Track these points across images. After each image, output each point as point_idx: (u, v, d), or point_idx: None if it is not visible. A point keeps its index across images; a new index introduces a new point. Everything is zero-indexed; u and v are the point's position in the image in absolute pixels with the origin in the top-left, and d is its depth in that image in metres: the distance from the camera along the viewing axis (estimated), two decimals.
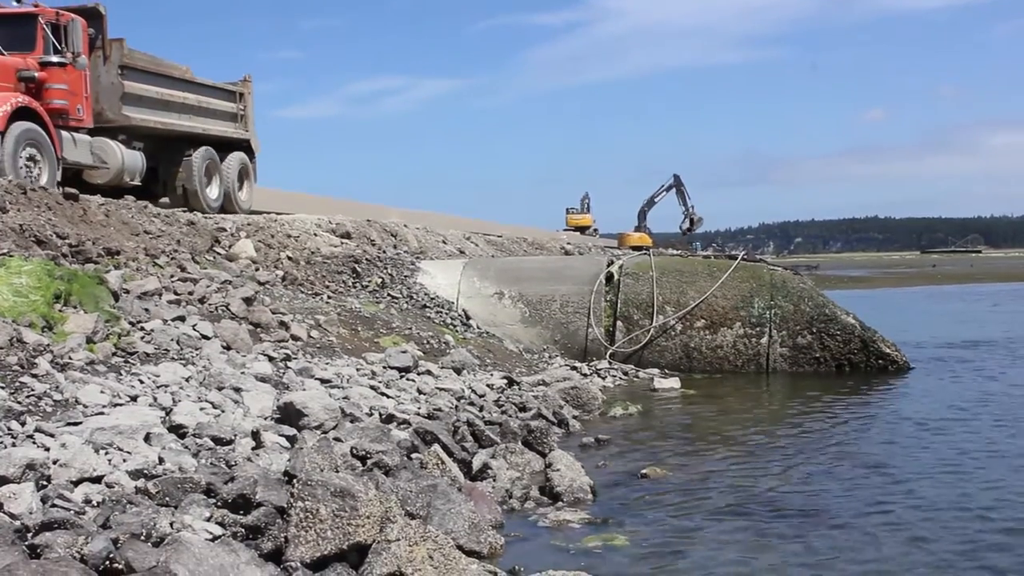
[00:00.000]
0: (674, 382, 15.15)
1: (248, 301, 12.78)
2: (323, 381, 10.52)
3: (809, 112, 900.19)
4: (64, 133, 16.49)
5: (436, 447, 8.57)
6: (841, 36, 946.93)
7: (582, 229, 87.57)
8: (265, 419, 8.62)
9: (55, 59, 16.44)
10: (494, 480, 8.64)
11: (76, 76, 16.84)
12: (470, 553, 6.47)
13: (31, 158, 15.43)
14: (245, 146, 22.13)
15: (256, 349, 11.27)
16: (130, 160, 18.25)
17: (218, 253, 15.49)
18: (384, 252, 19.90)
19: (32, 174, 15.25)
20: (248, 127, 22.20)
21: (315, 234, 19.02)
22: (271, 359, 10.91)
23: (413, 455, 8.46)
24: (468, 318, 17.14)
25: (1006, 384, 15.03)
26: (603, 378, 15.38)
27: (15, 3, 16.89)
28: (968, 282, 59.64)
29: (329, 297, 15.43)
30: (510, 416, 10.97)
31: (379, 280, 17.25)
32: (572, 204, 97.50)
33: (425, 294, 17.37)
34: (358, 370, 11.74)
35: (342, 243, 19.24)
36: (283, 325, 12.59)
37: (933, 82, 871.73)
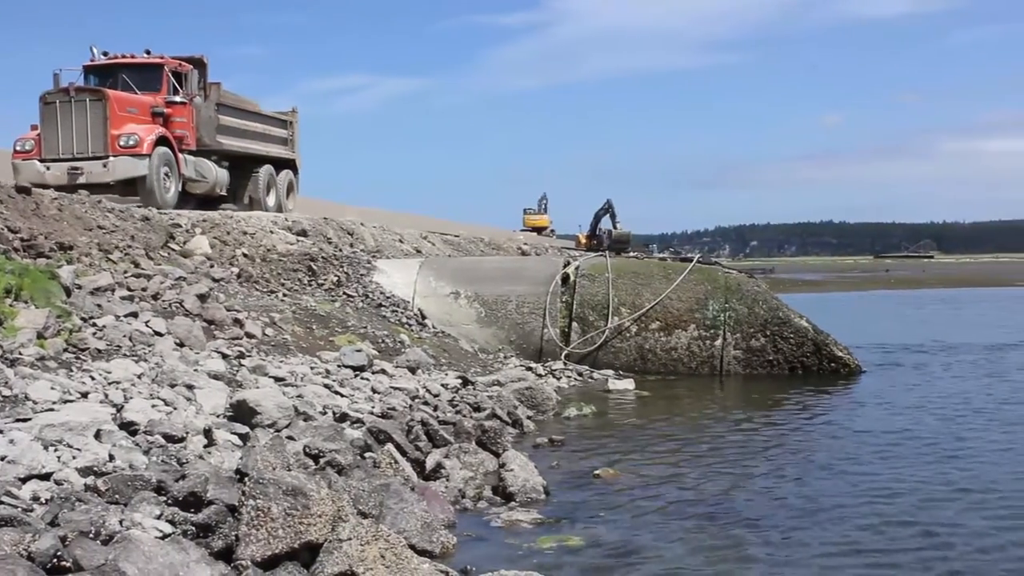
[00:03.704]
0: (628, 383, 15.21)
1: (202, 298, 12.70)
2: (277, 379, 10.48)
3: (767, 116, 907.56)
4: (181, 155, 21.18)
5: (389, 446, 8.57)
6: (800, 42, 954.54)
7: (539, 230, 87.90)
8: (218, 417, 8.58)
9: (178, 99, 21.45)
10: (447, 480, 8.65)
11: (189, 111, 21.73)
12: (422, 552, 6.46)
13: (166, 174, 20.37)
14: (292, 164, 27.09)
15: (210, 346, 11.21)
16: (221, 176, 23.11)
17: (173, 249, 15.37)
18: (340, 250, 19.83)
19: (166, 186, 20.40)
20: (294, 150, 27.10)
21: (271, 231, 18.90)
22: (225, 356, 10.85)
23: (366, 454, 8.46)
24: (424, 318, 17.12)
25: (954, 387, 15.23)
26: (558, 379, 15.40)
27: (146, 55, 22.05)
28: (920, 287, 60.29)
29: (284, 295, 15.36)
30: (464, 416, 10.97)
31: (335, 278, 17.18)
32: (530, 205, 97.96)
33: (381, 293, 17.32)
34: (312, 368, 11.69)
35: (298, 241, 19.13)
36: (237, 323, 12.52)
37: (890, 88, 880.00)
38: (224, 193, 23.53)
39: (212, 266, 15.24)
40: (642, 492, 8.77)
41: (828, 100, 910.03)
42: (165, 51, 22.64)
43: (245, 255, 16.67)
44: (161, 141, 20.42)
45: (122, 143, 19.79)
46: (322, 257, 17.99)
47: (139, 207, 17.36)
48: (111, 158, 19.70)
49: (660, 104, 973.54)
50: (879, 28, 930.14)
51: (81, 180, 19.32)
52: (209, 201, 22.76)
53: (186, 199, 21.95)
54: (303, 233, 20.30)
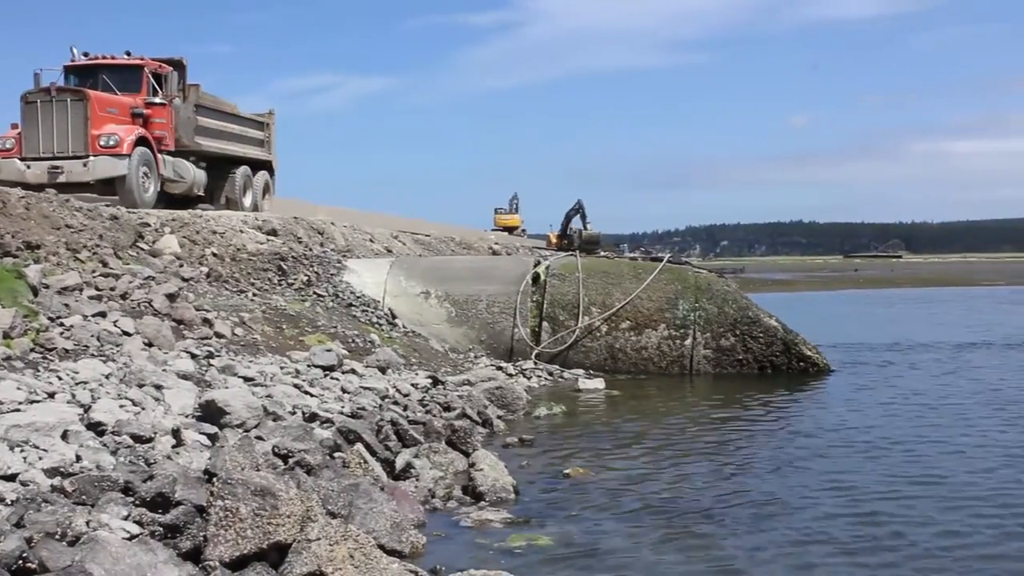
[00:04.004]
0: (598, 383, 15.24)
1: (171, 298, 12.65)
2: (246, 379, 10.45)
3: (736, 117, 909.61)
4: (160, 155, 21.40)
5: (359, 446, 8.56)
6: (768, 42, 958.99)
7: (510, 229, 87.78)
8: (186, 417, 8.55)
9: (157, 100, 21.68)
10: (417, 479, 8.65)
11: (168, 112, 21.92)
12: (391, 552, 6.46)
13: (145, 174, 20.58)
14: (268, 166, 27.31)
15: (179, 346, 11.16)
16: (199, 176, 23.26)
17: (141, 249, 15.28)
18: (310, 250, 19.77)
19: (145, 186, 20.54)
20: (271, 151, 27.33)
21: (241, 231, 18.82)
22: (194, 356, 10.80)
23: (336, 454, 8.44)
24: (394, 317, 17.10)
25: (920, 385, 15.40)
26: (528, 378, 15.42)
27: (126, 56, 22.22)
28: (889, 286, 60.75)
29: (254, 295, 15.31)
30: (434, 416, 10.97)
31: (305, 278, 17.13)
32: (501, 204, 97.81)
33: (351, 293, 17.28)
34: (282, 368, 11.66)
35: (268, 240, 19.06)
36: (207, 322, 12.48)
37: (858, 90, 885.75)
38: (202, 193, 23.70)
39: (181, 265, 15.17)
40: (611, 491, 8.79)
41: (797, 101, 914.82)
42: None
43: (215, 254, 16.60)
44: (141, 141, 20.62)
45: (102, 143, 19.95)
46: (292, 256, 17.93)
47: (108, 207, 17.25)
48: (91, 158, 19.85)
49: (631, 104, 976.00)
50: (846, 30, 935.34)
51: (61, 179, 19.52)
52: (186, 201, 22.90)
53: (162, 199, 21.92)
54: (273, 232, 20.23)
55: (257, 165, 26.49)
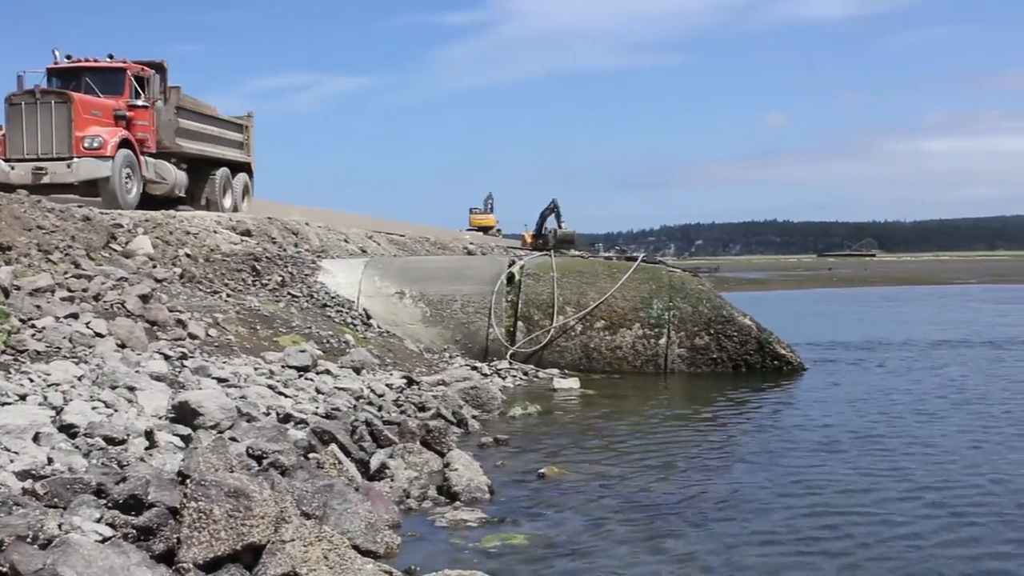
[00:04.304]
0: (573, 382, 15.27)
1: (145, 299, 12.59)
2: (220, 380, 10.41)
3: (711, 116, 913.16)
4: (142, 157, 21.69)
5: (333, 447, 8.54)
6: (743, 42, 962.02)
7: (485, 229, 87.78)
8: (159, 419, 8.51)
9: (140, 102, 21.96)
10: (392, 480, 8.64)
11: (150, 114, 22.26)
12: (366, 553, 6.46)
13: (128, 176, 20.84)
14: (247, 168, 27.64)
15: (152, 347, 11.11)
16: (180, 178, 23.56)
17: (114, 250, 15.21)
18: (285, 250, 19.71)
19: (128, 187, 20.81)
20: (249, 153, 27.62)
21: (214, 231, 18.74)
22: (167, 358, 10.75)
23: (310, 455, 8.42)
24: (369, 317, 17.08)
25: (892, 383, 15.52)
26: (503, 378, 15.43)
27: (109, 59, 22.51)
28: (862, 285, 61.12)
29: (228, 295, 15.26)
30: (409, 416, 10.97)
31: (279, 278, 17.09)
32: (476, 204, 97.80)
33: (326, 293, 17.25)
34: (256, 369, 11.62)
35: (242, 241, 18.99)
36: (180, 323, 12.42)
37: (832, 89, 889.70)
38: (183, 195, 24.00)
39: (154, 266, 15.11)
40: (586, 490, 8.81)
41: (772, 100, 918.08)
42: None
43: (188, 255, 16.53)
44: (124, 143, 20.90)
45: (86, 144, 20.20)
46: (266, 257, 17.88)
47: (78, 207, 17.17)
48: (75, 159, 20.09)
49: (606, 104, 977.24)
50: (821, 30, 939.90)
51: (45, 180, 19.82)
52: (168, 203, 23.08)
53: (144, 200, 22.08)
54: (247, 233, 20.17)
55: (236, 167, 26.82)
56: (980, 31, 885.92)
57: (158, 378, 9.66)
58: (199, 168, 24.81)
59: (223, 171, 25.73)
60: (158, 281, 14.20)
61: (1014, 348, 20.59)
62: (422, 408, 11.67)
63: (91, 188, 20.42)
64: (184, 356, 11.11)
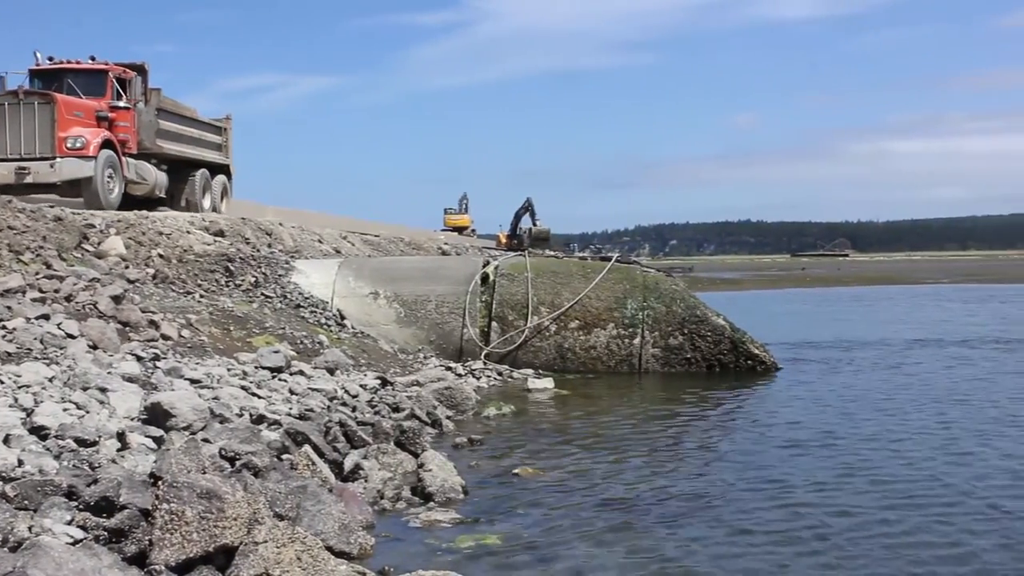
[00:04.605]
0: (548, 382, 15.28)
1: (117, 299, 12.52)
2: (193, 381, 10.36)
3: (683, 116, 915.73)
4: (124, 158, 21.90)
5: (307, 448, 8.52)
6: (714, 42, 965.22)
7: (460, 230, 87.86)
8: (131, 420, 8.46)
9: (121, 104, 22.18)
10: (366, 481, 8.62)
11: (132, 116, 22.48)
12: (339, 554, 6.44)
13: (110, 176, 21.06)
14: (226, 169, 27.98)
15: (124, 348, 11.05)
16: (161, 178, 23.94)
17: (86, 250, 15.13)
18: (258, 251, 19.65)
19: (110, 187, 21.01)
20: (228, 155, 28.05)
21: (188, 232, 18.66)
22: (139, 359, 10.70)
23: (283, 456, 8.40)
24: (343, 318, 17.05)
25: (863, 382, 15.66)
26: (477, 378, 15.42)
27: (91, 61, 22.72)
28: (836, 285, 61.43)
29: (201, 296, 15.20)
30: (383, 416, 10.95)
31: (252, 279, 17.04)
32: (451, 204, 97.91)
33: (299, 293, 17.21)
34: (229, 370, 11.58)
35: (215, 241, 18.91)
36: (153, 324, 12.36)
37: (802, 89, 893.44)
38: (163, 196, 24.29)
39: (127, 267, 15.03)
40: (561, 490, 8.82)
41: (742, 100, 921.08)
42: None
43: (161, 256, 16.46)
44: (106, 144, 21.12)
45: (69, 145, 20.37)
46: (239, 257, 17.82)
47: (50, 207, 17.07)
48: (58, 159, 20.24)
49: (580, 104, 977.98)
50: (790, 30, 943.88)
51: (28, 180, 20.03)
52: (148, 203, 23.28)
53: (124, 201, 22.30)
54: (220, 233, 20.09)
55: (215, 169, 27.14)
56: (946, 32, 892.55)
57: (130, 379, 9.60)
58: (179, 169, 25.05)
59: (202, 172, 25.98)
60: (131, 282, 14.13)
61: (983, 347, 20.75)
62: (396, 409, 11.65)
63: (73, 188, 20.52)
64: (156, 357, 11.06)
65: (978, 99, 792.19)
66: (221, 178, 27.49)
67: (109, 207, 20.05)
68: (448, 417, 12.16)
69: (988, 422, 12.04)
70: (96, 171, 20.45)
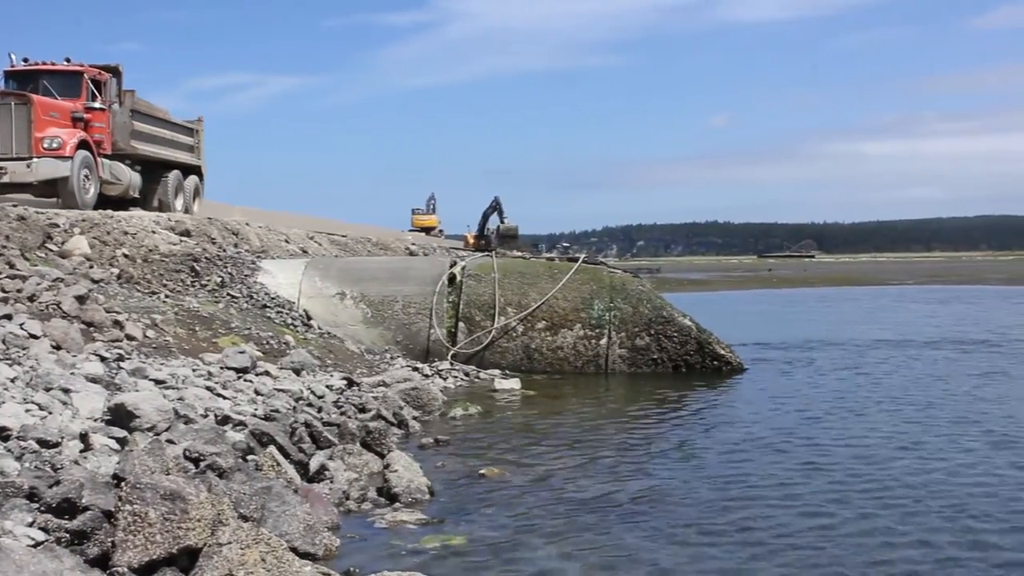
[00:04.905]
0: (514, 383, 15.30)
1: (81, 299, 12.43)
2: (157, 382, 10.30)
3: (654, 117, 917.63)
4: (99, 159, 22.06)
5: (272, 448, 8.50)
6: (689, 44, 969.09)
7: (427, 230, 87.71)
8: (95, 421, 8.41)
9: (97, 105, 22.35)
10: (331, 481, 8.61)
11: (106, 117, 22.67)
12: (304, 555, 6.43)
13: (86, 176, 21.18)
14: (198, 171, 28.08)
15: (88, 349, 10.98)
16: (134, 179, 24.06)
17: (50, 250, 15.01)
18: (224, 251, 19.55)
19: (86, 187, 21.16)
20: (200, 157, 28.20)
21: (153, 231, 18.53)
22: (103, 359, 10.63)
23: (249, 457, 8.37)
24: (309, 318, 17.00)
25: (829, 383, 15.82)
26: (444, 379, 15.42)
27: (66, 62, 22.78)
28: (802, 285, 61.82)
29: (167, 296, 15.11)
30: (349, 417, 10.92)
31: (219, 279, 16.96)
32: (418, 205, 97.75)
33: (266, 294, 17.15)
34: (194, 371, 11.52)
35: (181, 241, 18.81)
36: (117, 324, 12.28)
37: (774, 91, 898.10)
38: (137, 196, 24.46)
39: (91, 267, 14.93)
40: (527, 490, 8.84)
41: (714, 102, 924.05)
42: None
43: (126, 255, 16.35)
44: (82, 145, 21.27)
45: (45, 145, 20.46)
46: (205, 257, 17.74)
47: (14, 207, 16.94)
48: (35, 159, 20.30)
49: (549, 104, 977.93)
50: (763, 32, 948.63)
51: (5, 179, 20.13)
52: (121, 203, 23.48)
53: (99, 201, 22.49)
54: (186, 233, 19.97)
55: (187, 170, 27.30)
56: (917, 34, 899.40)
57: (94, 380, 9.54)
58: (152, 170, 25.18)
59: (175, 173, 26.14)
60: (95, 282, 14.04)
61: (943, 348, 20.94)
62: (362, 409, 11.63)
63: (50, 188, 20.59)
64: (121, 358, 10.99)
65: (952, 100, 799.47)
66: (193, 179, 27.59)
67: (85, 207, 20.15)
68: (414, 418, 12.15)
69: (948, 422, 12.21)
70: (73, 171, 20.55)
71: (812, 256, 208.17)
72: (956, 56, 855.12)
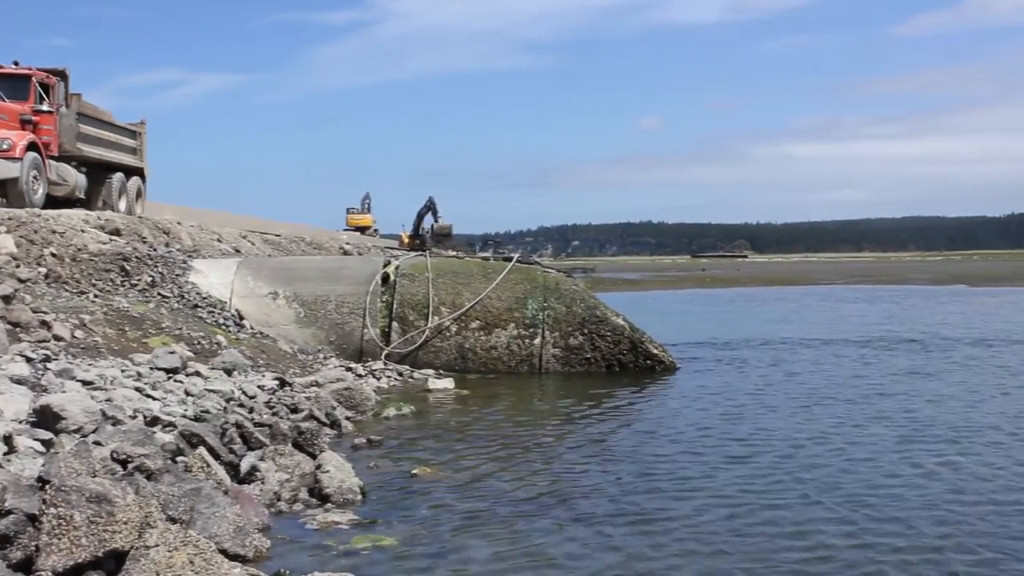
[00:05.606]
0: (448, 383, 15.30)
1: (7, 299, 12.24)
2: (85, 383, 10.16)
3: (587, 118, 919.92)
4: (47, 160, 22.14)
5: (201, 450, 8.41)
6: (620, 45, 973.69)
7: (362, 229, 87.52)
8: (19, 423, 8.28)
9: (45, 107, 22.56)
10: (262, 483, 8.55)
11: (53, 119, 22.88)
12: (234, 557, 6.38)
13: (35, 177, 21.29)
14: (140, 172, 28.28)
15: (13, 349, 10.81)
16: (80, 181, 24.15)
17: None
18: (155, 250, 19.31)
19: (35, 188, 21.24)
20: (143, 159, 28.45)
21: (82, 230, 18.27)
22: (29, 360, 10.48)
23: (178, 458, 8.30)
24: (241, 318, 16.87)
25: (758, 380, 16.06)
26: (378, 379, 15.39)
27: (14, 66, 23.00)
28: (735, 285, 62.48)
29: (96, 296, 14.91)
30: (281, 418, 10.84)
31: (149, 279, 16.76)
32: (353, 204, 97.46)
33: (197, 293, 16.98)
34: (123, 371, 11.38)
35: (111, 240, 18.55)
36: (45, 324, 12.11)
37: (705, 93, 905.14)
38: (82, 197, 24.56)
39: (18, 266, 14.68)
40: (459, 490, 8.85)
41: (646, 104, 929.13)
42: None
43: (54, 255, 16.10)
44: (31, 146, 21.47)
45: None
46: (136, 257, 17.51)
47: None
48: None
49: (484, 104, 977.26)
50: (694, 34, 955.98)
51: None
52: (68, 204, 23.58)
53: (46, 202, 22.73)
54: (116, 232, 19.72)
55: (130, 171, 27.53)
56: (846, 39, 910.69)
57: (19, 381, 9.40)
58: (97, 172, 25.36)
59: (119, 175, 26.30)
60: (21, 281, 13.82)
61: (870, 347, 21.32)
62: (294, 410, 11.56)
63: None
64: (47, 358, 10.83)
65: (878, 104, 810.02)
66: (136, 180, 27.77)
67: (34, 207, 20.17)
68: (347, 418, 12.11)
69: (866, 418, 12.53)
70: (23, 172, 20.69)
71: (745, 256, 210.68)
72: (880, 61, 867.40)
